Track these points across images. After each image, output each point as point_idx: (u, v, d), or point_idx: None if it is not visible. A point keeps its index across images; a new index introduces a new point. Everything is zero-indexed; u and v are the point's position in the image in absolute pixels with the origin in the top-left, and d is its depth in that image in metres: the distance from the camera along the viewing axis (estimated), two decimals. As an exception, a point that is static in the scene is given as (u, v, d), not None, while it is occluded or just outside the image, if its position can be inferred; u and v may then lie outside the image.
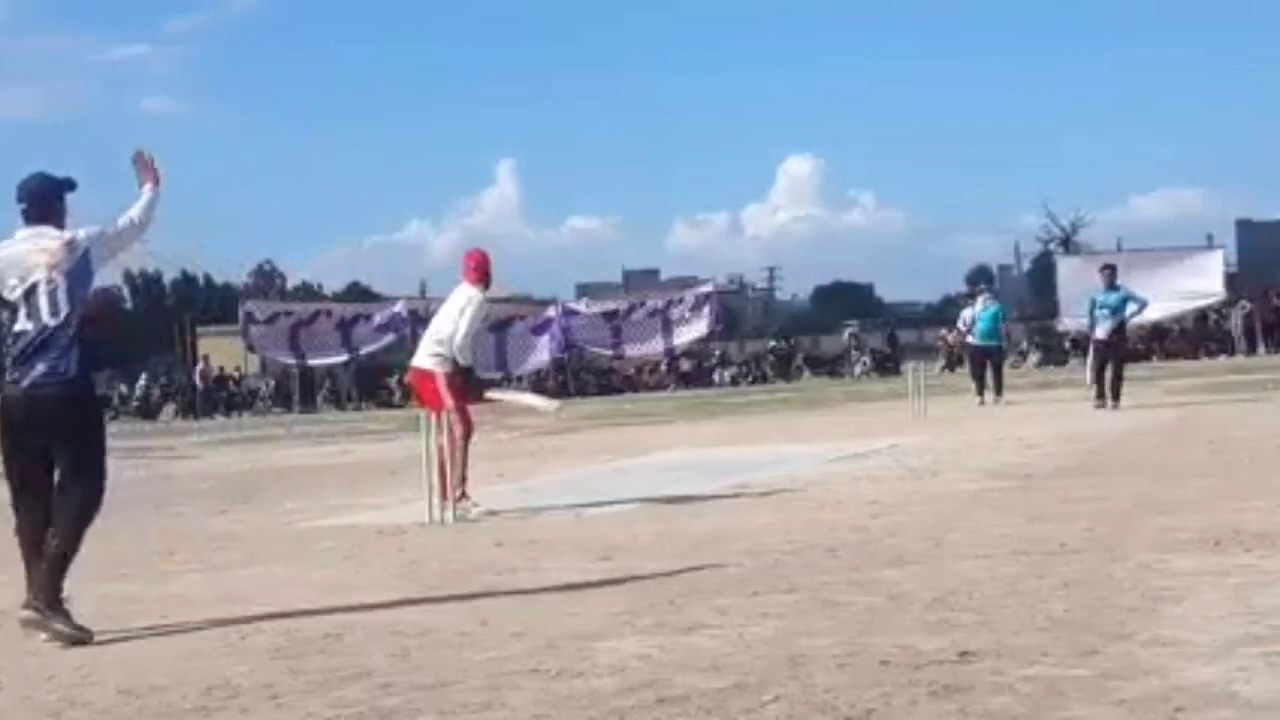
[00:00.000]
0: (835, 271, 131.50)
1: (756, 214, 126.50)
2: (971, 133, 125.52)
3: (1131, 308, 18.66)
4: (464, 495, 9.78)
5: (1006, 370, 35.86)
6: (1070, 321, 41.97)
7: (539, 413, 12.79)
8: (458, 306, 10.06)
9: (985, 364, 21.52)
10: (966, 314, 22.57)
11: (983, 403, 20.74)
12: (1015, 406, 19.92)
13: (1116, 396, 17.96)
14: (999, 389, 21.17)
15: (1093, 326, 18.75)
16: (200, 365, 43.67)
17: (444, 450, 9.59)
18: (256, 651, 5.50)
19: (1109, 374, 18.23)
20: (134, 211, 6.35)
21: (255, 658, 5.37)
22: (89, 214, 6.41)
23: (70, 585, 5.95)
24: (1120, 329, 18.65)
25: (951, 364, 38.57)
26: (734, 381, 42.19)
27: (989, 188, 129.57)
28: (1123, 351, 19.15)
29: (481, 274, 10.17)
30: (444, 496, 9.57)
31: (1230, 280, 42.11)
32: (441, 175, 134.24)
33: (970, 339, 22.04)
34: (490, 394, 14.19)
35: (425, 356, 10.11)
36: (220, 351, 44.40)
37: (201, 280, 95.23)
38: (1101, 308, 18.48)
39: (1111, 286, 18.67)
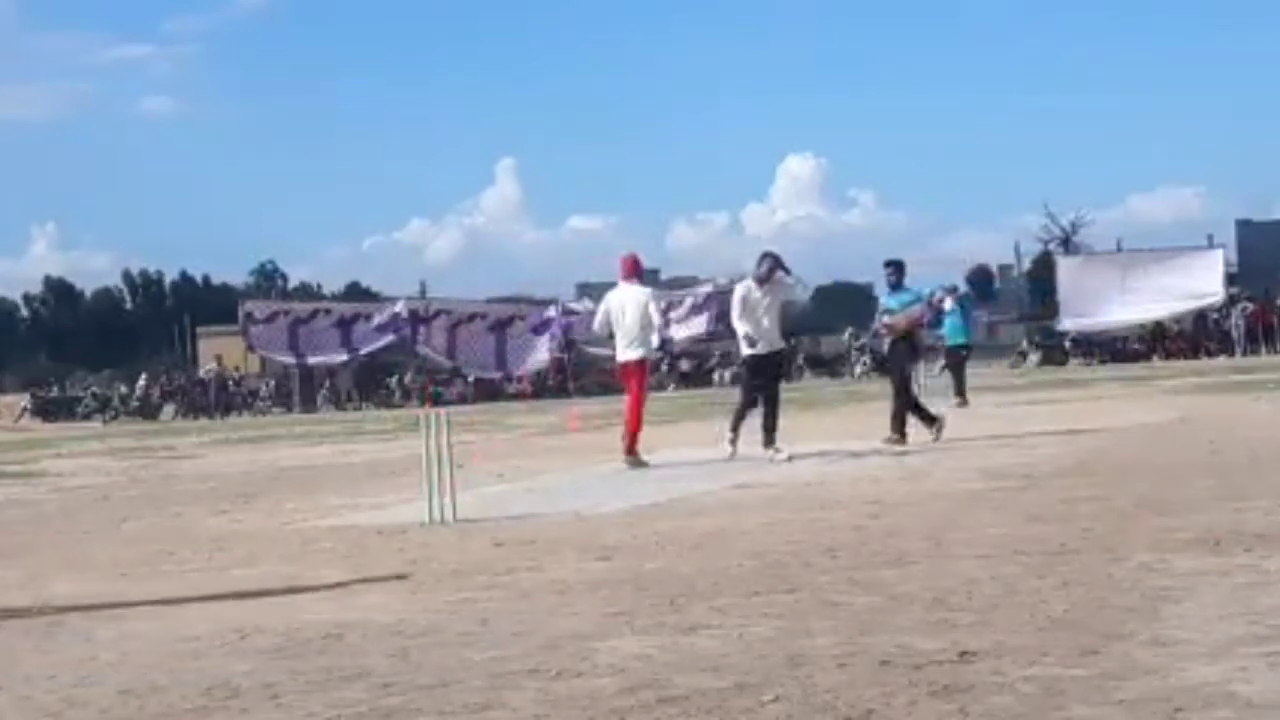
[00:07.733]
0: (835, 271, 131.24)
1: (756, 214, 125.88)
2: (972, 132, 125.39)
3: (917, 309, 15.56)
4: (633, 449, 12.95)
5: (1007, 371, 35.65)
6: (1070, 321, 42.06)
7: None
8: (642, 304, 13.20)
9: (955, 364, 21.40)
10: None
11: (963, 404, 19.98)
12: (1015, 407, 19.89)
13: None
14: (959, 390, 20.53)
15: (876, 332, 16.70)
16: (213, 366, 43.65)
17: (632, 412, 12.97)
18: (256, 651, 5.50)
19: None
20: None
21: (255, 658, 5.37)
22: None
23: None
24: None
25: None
26: (734, 381, 42.11)
27: (989, 188, 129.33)
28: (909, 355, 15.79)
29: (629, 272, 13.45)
30: (630, 451, 13.00)
31: (1230, 280, 42.14)
32: (441, 175, 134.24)
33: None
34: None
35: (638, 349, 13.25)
36: (220, 351, 44.45)
37: (201, 280, 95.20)
38: (884, 312, 15.47)
39: (898, 288, 15.41)
